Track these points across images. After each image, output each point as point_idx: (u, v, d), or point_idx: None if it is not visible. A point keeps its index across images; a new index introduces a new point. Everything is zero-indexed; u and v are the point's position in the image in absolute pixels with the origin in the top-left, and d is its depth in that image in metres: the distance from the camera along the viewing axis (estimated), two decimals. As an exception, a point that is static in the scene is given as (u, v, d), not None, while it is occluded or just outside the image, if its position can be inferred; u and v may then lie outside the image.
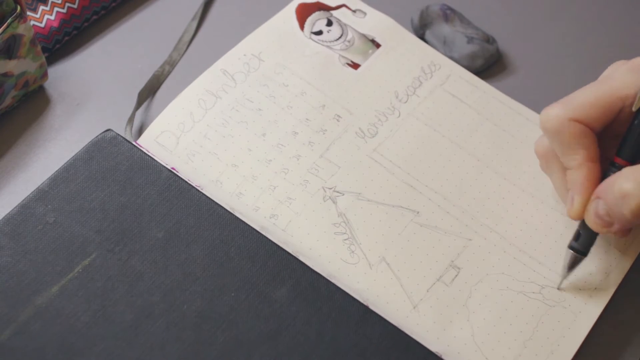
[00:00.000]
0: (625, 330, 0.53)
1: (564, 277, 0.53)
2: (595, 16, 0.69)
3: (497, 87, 0.63)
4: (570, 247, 0.53)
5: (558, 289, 0.54)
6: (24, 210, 0.53)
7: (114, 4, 0.67)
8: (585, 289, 0.54)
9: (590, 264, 0.55)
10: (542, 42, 0.67)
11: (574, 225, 0.55)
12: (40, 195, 0.54)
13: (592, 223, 0.51)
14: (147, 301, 0.50)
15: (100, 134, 0.57)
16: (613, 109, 0.50)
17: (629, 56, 0.53)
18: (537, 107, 0.60)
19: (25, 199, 0.54)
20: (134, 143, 0.57)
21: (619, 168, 0.50)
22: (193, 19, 0.67)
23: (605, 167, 0.51)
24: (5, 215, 0.53)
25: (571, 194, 0.51)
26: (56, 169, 0.55)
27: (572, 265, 0.53)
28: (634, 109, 0.50)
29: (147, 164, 0.56)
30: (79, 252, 0.52)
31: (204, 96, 0.61)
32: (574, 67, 0.65)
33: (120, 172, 0.55)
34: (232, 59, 0.63)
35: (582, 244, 0.52)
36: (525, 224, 0.56)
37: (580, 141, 0.50)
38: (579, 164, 0.50)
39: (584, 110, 0.50)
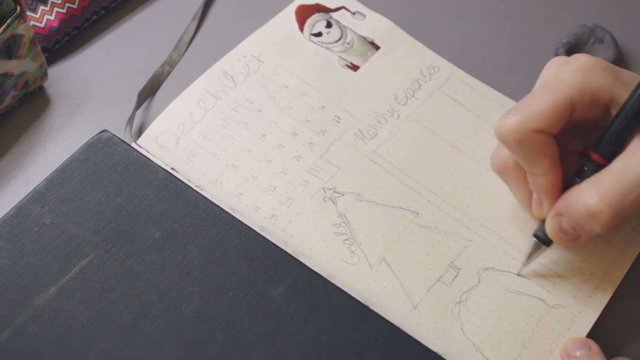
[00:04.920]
0: (625, 330, 0.53)
1: (524, 264, 0.54)
2: None
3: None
4: (535, 235, 0.53)
5: (517, 274, 0.54)
6: (20, 211, 0.53)
7: (114, 4, 0.67)
8: (585, 289, 0.54)
9: (590, 264, 0.54)
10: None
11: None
12: (37, 197, 0.54)
13: (557, 238, 0.51)
14: (144, 301, 0.50)
15: (96, 134, 0.56)
16: (567, 114, 0.49)
17: None
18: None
19: (21, 200, 0.53)
20: (130, 143, 0.57)
21: (594, 163, 0.49)
22: (193, 19, 0.67)
23: (568, 158, 0.51)
24: (2, 217, 0.53)
25: (537, 197, 0.52)
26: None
27: (533, 253, 0.53)
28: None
29: (144, 164, 0.55)
30: (76, 253, 0.52)
31: (203, 97, 0.61)
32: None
33: (116, 173, 0.55)
34: (231, 60, 0.63)
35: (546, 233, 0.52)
36: (525, 225, 0.56)
37: (544, 150, 0.49)
38: (546, 171, 0.50)
39: (543, 119, 0.49)
